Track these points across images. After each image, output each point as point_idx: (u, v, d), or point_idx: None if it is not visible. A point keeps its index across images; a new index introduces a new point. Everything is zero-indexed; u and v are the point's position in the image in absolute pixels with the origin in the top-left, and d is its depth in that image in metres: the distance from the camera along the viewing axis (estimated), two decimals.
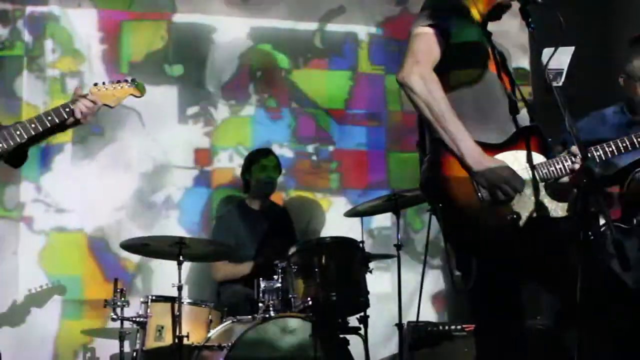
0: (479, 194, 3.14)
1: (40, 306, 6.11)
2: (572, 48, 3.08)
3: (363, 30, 7.02)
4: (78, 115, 3.66)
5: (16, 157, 3.74)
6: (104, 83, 3.85)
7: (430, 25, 3.26)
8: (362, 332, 5.12)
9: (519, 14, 3.22)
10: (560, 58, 3.08)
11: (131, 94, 3.93)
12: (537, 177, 3.21)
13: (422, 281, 5.44)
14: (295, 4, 6.91)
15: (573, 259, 3.01)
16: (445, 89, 3.23)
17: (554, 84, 3.04)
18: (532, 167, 3.22)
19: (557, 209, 3.22)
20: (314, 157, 6.80)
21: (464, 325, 5.49)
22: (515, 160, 3.23)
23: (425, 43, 3.24)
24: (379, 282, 5.51)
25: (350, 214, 5.73)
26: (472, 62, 3.32)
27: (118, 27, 6.59)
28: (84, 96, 3.73)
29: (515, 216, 3.14)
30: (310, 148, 6.81)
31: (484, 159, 3.14)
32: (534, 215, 3.17)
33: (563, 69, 3.12)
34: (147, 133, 6.50)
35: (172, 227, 6.35)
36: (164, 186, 6.50)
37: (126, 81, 3.94)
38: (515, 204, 3.15)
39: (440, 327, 5.69)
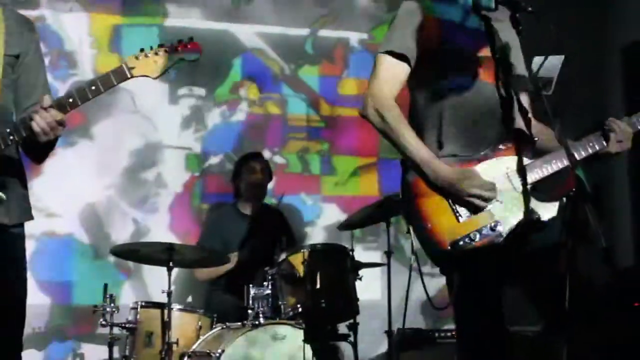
0: (455, 208, 3.14)
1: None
2: (562, 57, 3.07)
3: (354, 36, 7.04)
4: (36, 129, 3.01)
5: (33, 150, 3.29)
6: (142, 50, 3.17)
7: (386, 52, 3.28)
8: (351, 339, 5.11)
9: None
10: (550, 66, 3.07)
11: (181, 59, 3.24)
12: (521, 182, 3.15)
13: (408, 288, 5.42)
14: (287, 10, 6.92)
15: (561, 266, 3.00)
16: (424, 102, 3.29)
17: (544, 92, 3.04)
18: (523, 169, 3.19)
19: (545, 211, 3.17)
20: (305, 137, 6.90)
21: (453, 332, 5.49)
22: (497, 168, 3.20)
23: (382, 72, 3.29)
24: (369, 288, 5.50)
25: (343, 226, 5.72)
26: (450, 72, 3.28)
27: (109, 32, 6.59)
28: (45, 108, 3.04)
29: (496, 224, 3.12)
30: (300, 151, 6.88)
31: (449, 175, 3.13)
32: (518, 221, 3.13)
33: (553, 77, 3.11)
34: (137, 111, 6.54)
35: (162, 232, 6.36)
36: (155, 164, 6.56)
37: (176, 43, 3.23)
38: (496, 212, 3.14)
39: (430, 334, 5.71)
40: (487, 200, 3.13)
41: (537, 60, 3.03)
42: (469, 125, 3.25)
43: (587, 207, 2.76)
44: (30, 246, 6.01)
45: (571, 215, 2.82)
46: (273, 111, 6.86)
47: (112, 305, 5.03)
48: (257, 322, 4.82)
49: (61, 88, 6.31)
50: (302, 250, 5.05)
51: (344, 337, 5.14)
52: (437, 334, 5.73)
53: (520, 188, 3.14)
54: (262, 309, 4.91)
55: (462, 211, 3.15)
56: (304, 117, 6.92)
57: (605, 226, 3.55)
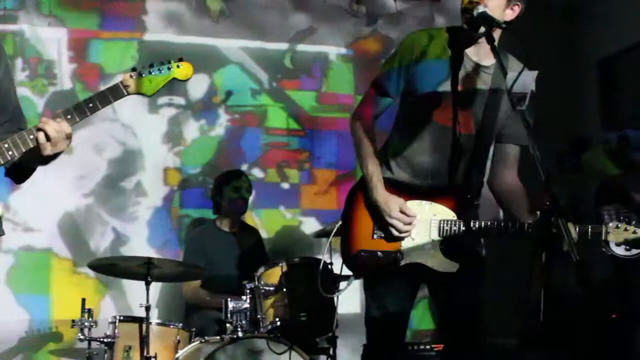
0: (374, 224, 3.57)
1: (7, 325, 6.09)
2: (536, 72, 3.10)
3: (333, 51, 7.07)
4: (42, 140, 3.01)
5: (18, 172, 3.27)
6: (134, 69, 3.21)
7: (373, 82, 3.70)
8: (331, 352, 5.11)
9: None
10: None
11: (174, 78, 3.27)
12: (437, 231, 3.52)
13: None
14: (266, 25, 6.95)
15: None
16: (395, 129, 3.72)
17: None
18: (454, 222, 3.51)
19: (441, 264, 3.51)
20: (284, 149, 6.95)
21: (433, 345, 5.51)
22: (426, 210, 3.53)
23: (368, 94, 3.72)
24: (348, 302, 5.51)
25: (318, 234, 5.72)
26: (414, 114, 3.60)
27: (88, 46, 6.59)
28: (55, 119, 3.04)
29: (397, 253, 3.51)
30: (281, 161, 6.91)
31: (380, 198, 3.52)
32: (415, 261, 3.51)
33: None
34: (117, 119, 6.54)
35: (141, 246, 6.36)
36: (134, 172, 6.58)
37: (166, 62, 3.28)
38: (405, 245, 3.52)
39: (409, 347, 5.71)
40: (401, 232, 3.50)
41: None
42: (424, 162, 3.58)
43: (560, 221, 2.78)
44: (8, 261, 6.10)
45: (545, 229, 2.85)
46: (252, 124, 6.87)
47: (90, 319, 5.01)
48: (235, 336, 4.81)
49: (40, 102, 6.31)
50: (280, 264, 5.05)
51: (324, 351, 5.14)
52: (416, 347, 5.74)
53: (434, 236, 3.52)
54: (240, 322, 4.90)
55: (378, 231, 3.56)
56: (283, 130, 6.93)
57: (583, 238, 3.58)
